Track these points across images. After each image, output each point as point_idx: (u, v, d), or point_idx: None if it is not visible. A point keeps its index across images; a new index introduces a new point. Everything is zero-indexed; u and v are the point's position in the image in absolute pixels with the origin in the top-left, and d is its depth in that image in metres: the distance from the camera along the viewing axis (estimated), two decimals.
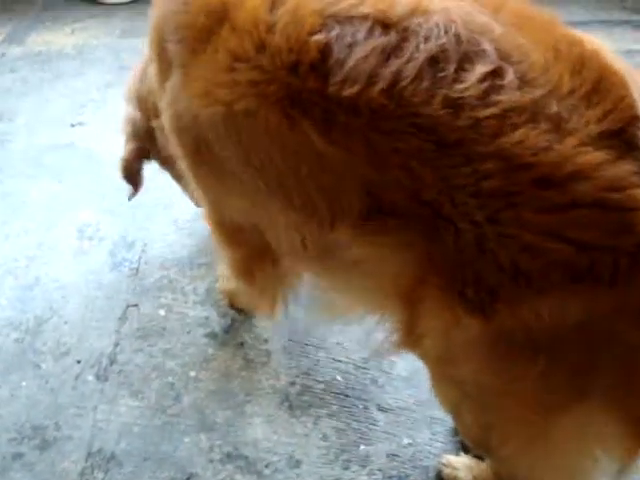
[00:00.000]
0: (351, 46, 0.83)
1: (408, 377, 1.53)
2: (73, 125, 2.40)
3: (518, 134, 0.75)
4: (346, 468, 1.37)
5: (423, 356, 1.01)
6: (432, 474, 1.36)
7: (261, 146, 0.93)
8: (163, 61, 1.11)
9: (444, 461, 1.34)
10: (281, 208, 1.00)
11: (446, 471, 1.33)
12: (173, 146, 1.18)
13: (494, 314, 0.81)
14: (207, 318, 1.67)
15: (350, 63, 0.82)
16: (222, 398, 1.48)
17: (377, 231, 0.88)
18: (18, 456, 1.38)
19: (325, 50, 0.84)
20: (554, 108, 0.76)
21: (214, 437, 1.41)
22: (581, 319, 0.77)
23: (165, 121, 1.14)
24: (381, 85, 0.80)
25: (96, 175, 2.15)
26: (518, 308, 0.79)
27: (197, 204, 1.72)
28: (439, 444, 1.41)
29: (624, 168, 0.74)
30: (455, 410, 1.05)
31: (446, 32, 0.81)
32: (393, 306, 0.96)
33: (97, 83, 2.62)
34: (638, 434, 0.85)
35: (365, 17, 0.84)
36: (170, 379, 1.52)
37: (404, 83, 0.79)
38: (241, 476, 1.35)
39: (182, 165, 1.20)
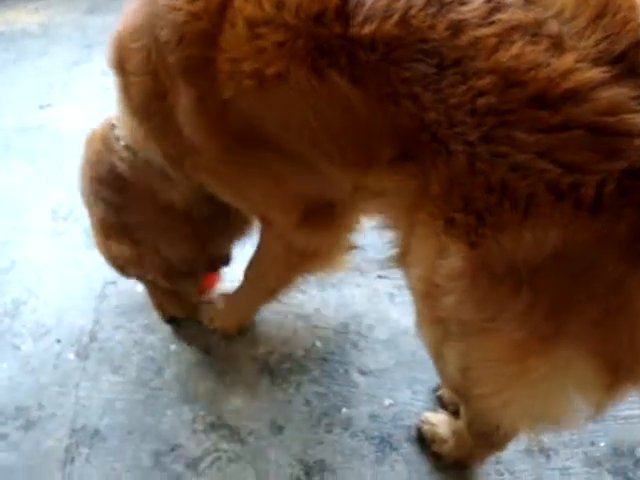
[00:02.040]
0: None
1: (387, 340, 1.54)
2: (42, 107, 2.36)
3: (515, 49, 0.77)
4: (329, 431, 1.39)
5: (411, 288, 1.03)
6: (414, 433, 1.39)
7: (296, 108, 0.94)
8: (171, 85, 1.02)
9: (423, 419, 1.36)
10: (326, 165, 1.02)
11: (425, 428, 1.35)
12: (213, 173, 1.12)
13: (479, 240, 0.83)
14: None
15: (368, 3, 0.84)
16: (203, 370, 1.50)
17: (397, 171, 0.92)
18: (3, 436, 1.38)
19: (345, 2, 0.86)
20: (555, 28, 0.77)
21: (197, 408, 1.43)
22: (562, 247, 0.77)
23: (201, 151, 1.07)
24: (395, 18, 0.82)
25: (67, 155, 2.11)
26: (502, 233, 0.81)
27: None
28: (420, 403, 1.43)
29: (621, 92, 0.74)
30: (437, 352, 1.06)
31: None
32: (398, 230, 1.01)
33: (64, 62, 2.57)
34: (613, 376, 0.85)
35: None
36: (151, 353, 1.53)
37: (413, 12, 0.82)
38: (225, 445, 1.37)
39: (229, 184, 1.15)
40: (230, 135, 1.03)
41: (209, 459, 1.35)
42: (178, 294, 1.48)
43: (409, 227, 0.95)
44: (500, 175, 0.79)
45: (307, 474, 1.34)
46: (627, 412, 1.42)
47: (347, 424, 1.40)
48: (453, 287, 0.90)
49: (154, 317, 1.60)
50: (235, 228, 1.39)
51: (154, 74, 1.04)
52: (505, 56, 0.77)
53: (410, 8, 0.82)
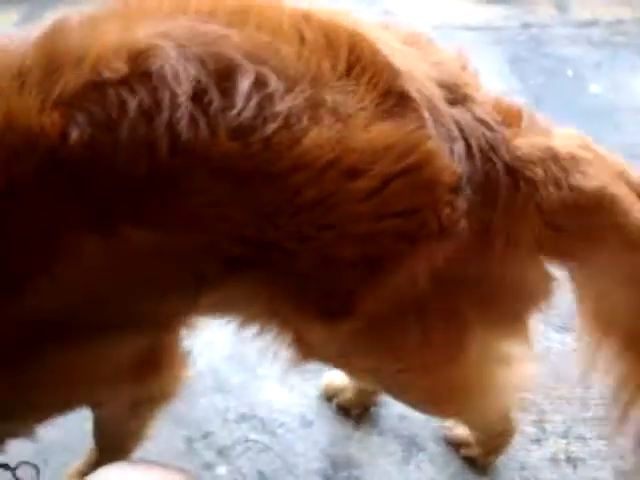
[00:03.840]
0: (109, 124, 0.70)
1: None
2: None
3: (310, 137, 0.72)
4: (357, 428, 1.42)
5: (327, 361, 1.05)
6: (440, 434, 1.40)
7: (93, 277, 0.77)
8: None
9: (446, 425, 1.39)
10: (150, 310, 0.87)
11: (449, 434, 1.39)
12: None
13: (357, 309, 0.82)
14: None
15: (122, 141, 0.70)
16: (237, 361, 1.53)
17: (225, 288, 0.84)
18: None
19: (89, 145, 0.69)
20: (328, 98, 0.74)
21: (229, 398, 1.46)
22: (431, 273, 0.81)
23: None
24: (163, 149, 0.70)
25: None
26: (377, 293, 0.81)
27: None
28: None
29: (408, 128, 0.75)
30: (394, 395, 1.15)
31: (187, 59, 0.71)
32: (275, 330, 0.92)
33: None
34: (519, 320, 0.95)
35: (97, 84, 0.70)
36: (185, 343, 1.57)
37: (183, 135, 0.70)
38: (255, 435, 1.40)
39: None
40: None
41: (240, 448, 1.38)
42: None
43: (284, 324, 0.90)
44: (352, 251, 0.77)
45: (334, 469, 1.36)
46: None
47: (376, 422, 1.42)
48: (356, 351, 0.93)
49: None
50: None
51: None
52: (303, 147, 0.72)
53: (176, 133, 0.70)
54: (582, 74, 2.42)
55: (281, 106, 0.72)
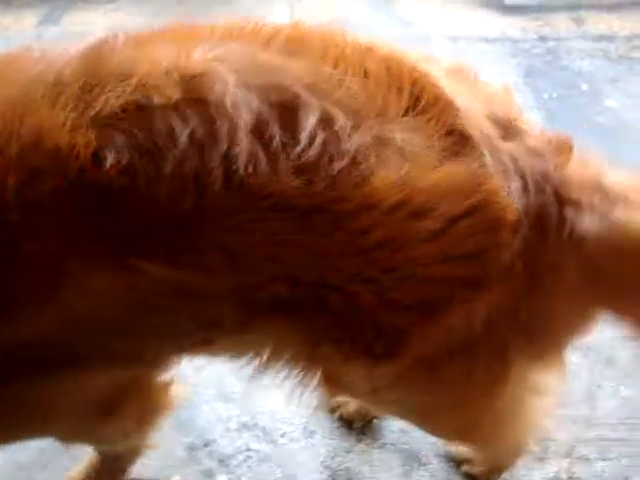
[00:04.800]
0: (153, 151, 0.65)
1: None
2: None
3: (378, 177, 0.69)
4: (359, 440, 1.41)
5: (356, 396, 1.06)
6: (442, 449, 1.39)
7: (109, 310, 0.74)
8: None
9: None
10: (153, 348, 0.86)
11: (451, 448, 1.38)
12: None
13: (406, 351, 0.80)
14: None
15: (166, 172, 0.66)
16: (240, 370, 1.53)
17: (257, 328, 0.80)
18: None
19: (126, 171, 0.65)
20: (396, 136, 0.71)
21: (232, 407, 1.47)
22: (486, 315, 0.79)
23: None
24: (217, 183, 0.66)
25: None
26: (429, 336, 0.80)
27: None
28: None
29: (471, 168, 0.73)
30: (415, 424, 1.15)
31: (247, 87, 0.68)
32: (305, 370, 0.91)
33: None
34: (556, 350, 0.93)
35: (142, 106, 0.66)
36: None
37: (241, 170, 0.66)
38: (257, 444, 1.41)
39: None
40: None
41: (241, 457, 1.38)
42: None
43: (319, 364, 0.89)
44: (414, 294, 0.75)
45: None
46: None
47: (377, 435, 1.42)
48: (396, 389, 0.91)
49: None
50: None
51: None
52: (370, 187, 0.69)
53: (233, 168, 0.66)
54: (598, 88, 2.40)
55: (348, 144, 0.69)
